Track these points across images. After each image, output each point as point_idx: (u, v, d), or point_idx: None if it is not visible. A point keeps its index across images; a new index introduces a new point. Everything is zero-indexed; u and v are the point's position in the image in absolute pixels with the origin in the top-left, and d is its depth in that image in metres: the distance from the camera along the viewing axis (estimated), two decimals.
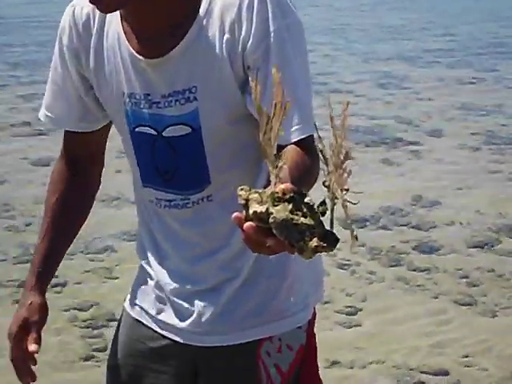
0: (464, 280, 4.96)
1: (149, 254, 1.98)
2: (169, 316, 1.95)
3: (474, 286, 4.88)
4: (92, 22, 1.81)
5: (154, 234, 1.96)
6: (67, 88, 1.89)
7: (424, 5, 23.29)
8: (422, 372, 3.91)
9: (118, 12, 1.75)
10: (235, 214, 1.18)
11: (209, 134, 1.74)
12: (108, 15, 1.76)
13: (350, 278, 4.99)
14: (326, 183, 1.13)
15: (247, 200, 1.17)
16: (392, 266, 5.15)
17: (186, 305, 1.91)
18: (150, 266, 1.98)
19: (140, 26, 1.73)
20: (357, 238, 1.14)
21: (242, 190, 1.19)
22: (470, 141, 8.40)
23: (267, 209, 1.13)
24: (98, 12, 1.78)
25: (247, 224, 1.16)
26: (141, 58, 1.73)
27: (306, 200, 1.14)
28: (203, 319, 1.89)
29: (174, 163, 1.79)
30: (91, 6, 1.73)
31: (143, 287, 2.03)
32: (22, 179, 6.86)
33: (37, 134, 8.33)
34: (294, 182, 1.24)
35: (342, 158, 1.12)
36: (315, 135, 1.32)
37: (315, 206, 1.14)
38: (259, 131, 1.18)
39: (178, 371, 2.00)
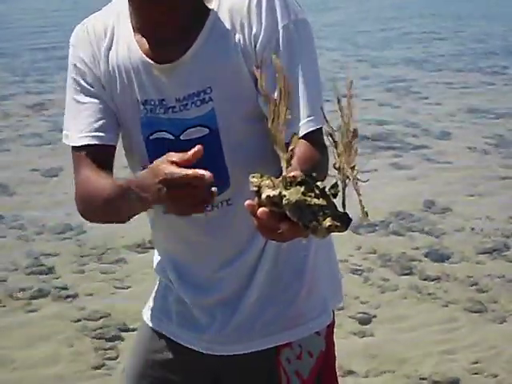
0: (474, 287, 4.94)
1: (168, 268, 1.99)
2: (190, 327, 1.97)
3: (484, 292, 4.87)
4: (104, 35, 1.83)
5: (171, 248, 1.97)
6: (97, 102, 1.84)
7: (431, 9, 23.25)
8: (433, 380, 3.90)
9: (129, 23, 1.78)
10: (248, 202, 1.21)
11: (227, 133, 1.75)
12: (118, 28, 1.80)
13: (363, 285, 4.98)
14: (337, 165, 1.16)
15: (259, 186, 1.20)
16: (404, 275, 5.13)
17: (205, 316, 1.93)
18: (170, 281, 1.99)
19: (151, 30, 1.75)
20: (367, 214, 1.15)
21: (253, 177, 1.22)
22: (479, 145, 8.37)
23: (280, 192, 1.16)
24: (109, 26, 1.82)
25: (261, 209, 1.18)
26: (154, 63, 1.75)
27: (316, 182, 1.17)
28: (224, 329, 1.91)
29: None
30: (101, 22, 1.80)
31: (163, 300, 2.05)
32: (31, 190, 6.88)
33: (46, 144, 8.36)
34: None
35: (349, 137, 1.15)
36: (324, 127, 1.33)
37: (327, 188, 1.16)
38: (268, 118, 1.20)
39: (199, 381, 2.03)
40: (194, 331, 1.96)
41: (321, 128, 1.69)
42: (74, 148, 1.85)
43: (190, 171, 1.39)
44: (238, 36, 1.69)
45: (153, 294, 2.11)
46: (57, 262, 5.26)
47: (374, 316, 4.57)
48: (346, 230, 1.14)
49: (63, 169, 7.17)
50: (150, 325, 2.07)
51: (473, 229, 5.93)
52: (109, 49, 1.82)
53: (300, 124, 1.65)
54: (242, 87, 1.71)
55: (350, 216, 1.14)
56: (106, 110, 1.83)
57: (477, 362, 4.07)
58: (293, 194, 1.14)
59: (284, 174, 1.19)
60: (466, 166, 7.63)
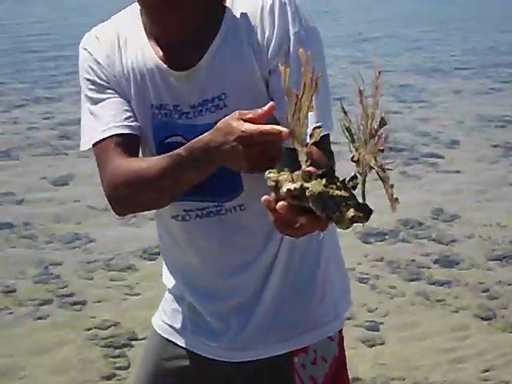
0: (484, 294, 4.93)
1: (177, 277, 2.00)
2: (202, 334, 1.97)
3: (494, 299, 4.86)
4: (116, 41, 1.84)
5: (181, 257, 1.96)
6: (118, 97, 1.82)
7: (440, 16, 23.25)
8: None
9: (141, 29, 1.79)
10: (264, 197, 1.21)
11: None
12: (131, 34, 1.81)
13: (370, 292, 4.97)
14: (355, 158, 1.18)
15: (277, 181, 1.21)
16: (412, 280, 5.13)
17: (219, 322, 1.93)
18: (180, 289, 1.99)
19: (165, 36, 1.77)
20: (397, 200, 1.16)
21: (270, 172, 1.23)
22: (488, 152, 8.37)
23: (301, 185, 1.17)
24: (121, 33, 1.83)
25: (281, 203, 1.19)
26: (169, 70, 1.76)
27: (336, 175, 1.18)
28: (237, 335, 1.91)
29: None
30: (112, 29, 1.82)
31: (174, 308, 2.04)
32: (41, 198, 6.89)
33: (56, 153, 8.38)
34: None
35: (376, 125, 1.16)
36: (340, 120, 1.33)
37: (346, 181, 1.18)
38: (288, 113, 1.21)
39: None
40: (207, 338, 1.96)
41: (329, 134, 1.71)
42: (99, 144, 1.80)
43: (268, 127, 1.38)
44: (251, 42, 1.71)
45: (163, 302, 2.11)
46: (66, 271, 5.27)
47: (382, 323, 4.56)
48: (368, 220, 1.15)
49: (73, 178, 7.19)
50: (161, 333, 2.06)
51: (482, 236, 5.92)
52: (122, 54, 1.83)
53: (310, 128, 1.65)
54: (255, 92, 1.72)
55: (371, 207, 1.16)
56: (127, 104, 1.82)
57: (487, 370, 4.06)
58: (315, 186, 1.15)
59: (303, 167, 1.20)
60: (474, 174, 7.62)
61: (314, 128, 1.25)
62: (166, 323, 2.06)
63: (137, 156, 1.82)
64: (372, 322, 4.57)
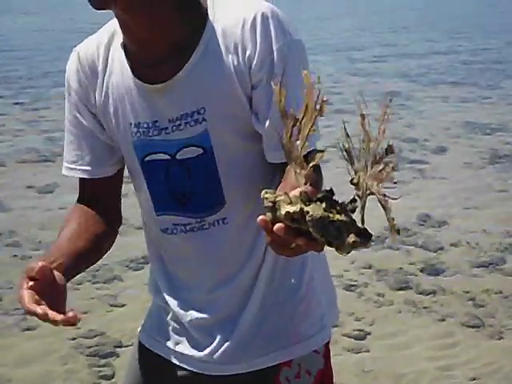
0: (471, 302, 4.93)
1: (163, 288, 1.98)
2: (186, 347, 1.96)
3: (481, 307, 4.86)
4: (97, 61, 1.82)
5: (167, 267, 1.96)
6: (87, 135, 1.87)
7: (427, 23, 23.33)
8: None
9: (121, 46, 1.77)
10: (261, 217, 1.19)
11: (221, 153, 1.74)
12: (113, 49, 1.79)
13: (357, 300, 4.96)
14: (355, 181, 1.16)
15: (274, 202, 1.19)
16: (400, 290, 5.12)
17: (203, 335, 1.92)
18: (165, 300, 1.98)
19: (141, 52, 1.73)
20: (398, 233, 1.16)
21: (267, 193, 1.21)
22: (475, 159, 8.40)
23: (301, 208, 1.15)
24: (101, 52, 1.81)
25: (279, 225, 1.17)
26: (146, 84, 1.73)
27: (335, 199, 1.16)
28: (221, 348, 1.89)
29: (189, 185, 1.79)
30: (95, 47, 1.79)
31: (158, 319, 2.03)
32: (27, 206, 6.86)
33: (42, 160, 8.35)
34: None
35: (382, 152, 1.14)
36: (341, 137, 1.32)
37: (345, 204, 1.16)
38: (284, 134, 1.20)
39: None
40: (191, 351, 1.95)
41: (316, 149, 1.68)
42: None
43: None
44: (231, 57, 1.67)
45: (148, 313, 2.10)
46: None
47: (369, 332, 4.55)
48: (368, 245, 1.14)
49: (59, 185, 7.16)
50: (145, 344, 2.05)
51: (468, 243, 5.93)
52: (103, 73, 1.81)
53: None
54: (235, 107, 1.70)
55: (371, 232, 1.15)
56: (96, 143, 1.86)
57: (474, 379, 4.05)
58: (316, 210, 1.13)
59: (302, 188, 1.18)
60: (461, 180, 7.65)
61: (315, 151, 1.23)
62: (150, 334, 2.05)
63: (101, 196, 1.92)
64: (359, 330, 4.56)
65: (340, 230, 1.13)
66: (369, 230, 1.14)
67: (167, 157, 1.77)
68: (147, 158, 1.81)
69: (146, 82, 1.74)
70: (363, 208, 1.16)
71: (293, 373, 1.90)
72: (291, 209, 1.16)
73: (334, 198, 1.16)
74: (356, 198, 1.16)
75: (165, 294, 1.98)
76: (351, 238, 1.12)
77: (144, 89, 1.74)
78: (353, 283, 5.18)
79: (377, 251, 5.76)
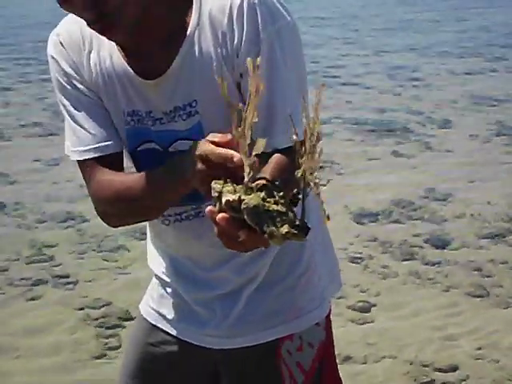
0: (476, 272, 4.94)
1: (163, 264, 1.99)
2: (188, 321, 1.96)
3: (487, 277, 4.87)
4: (82, 43, 1.76)
5: (166, 247, 1.96)
6: (89, 112, 1.77)
7: None
8: (434, 365, 3.89)
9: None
10: (208, 208, 1.19)
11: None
12: (97, 37, 1.70)
13: (362, 272, 4.98)
14: (299, 174, 1.14)
15: (221, 192, 1.18)
16: (405, 260, 5.13)
17: (205, 310, 1.92)
18: (166, 275, 1.98)
19: (130, 45, 1.69)
20: (328, 218, 1.15)
21: (216, 183, 1.20)
22: (481, 132, 8.37)
23: (239, 196, 1.14)
24: (85, 34, 1.74)
25: (220, 215, 1.17)
26: (138, 78, 1.70)
27: (278, 189, 1.15)
28: (223, 323, 1.90)
29: None
30: (76, 28, 1.73)
31: (160, 293, 2.03)
32: (32, 179, 6.89)
33: (47, 134, 8.36)
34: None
35: (313, 140, 1.13)
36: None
37: (287, 196, 1.15)
38: (232, 125, 1.18)
39: (199, 375, 2.02)
40: (193, 325, 1.95)
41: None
42: (81, 162, 1.78)
43: (222, 151, 1.32)
44: (220, 46, 1.64)
45: (149, 287, 2.09)
46: (58, 251, 5.27)
47: (374, 304, 4.56)
48: (305, 238, 1.12)
49: (64, 158, 7.16)
50: (148, 319, 2.05)
51: (473, 215, 5.93)
52: (89, 57, 1.75)
53: (277, 137, 1.59)
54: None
55: (309, 225, 1.12)
56: (103, 116, 1.77)
57: (479, 348, 4.06)
58: (252, 199, 1.13)
59: (246, 179, 1.17)
60: (467, 153, 7.63)
61: (258, 139, 1.19)
62: (153, 309, 2.04)
63: (120, 168, 1.79)
64: (364, 302, 4.57)
65: (273, 219, 1.11)
66: (306, 223, 1.12)
67: (160, 148, 1.75)
68: (141, 147, 1.78)
69: (137, 73, 1.70)
70: (303, 200, 1.15)
71: (294, 346, 1.91)
72: (231, 197, 1.15)
73: (277, 189, 1.15)
74: (299, 190, 1.15)
75: (165, 269, 1.98)
76: (285, 229, 1.10)
77: (137, 81, 1.70)
78: (358, 256, 5.19)
79: (382, 225, 5.77)
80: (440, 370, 3.86)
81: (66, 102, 1.78)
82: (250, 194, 1.14)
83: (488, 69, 11.94)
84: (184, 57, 1.66)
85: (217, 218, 1.17)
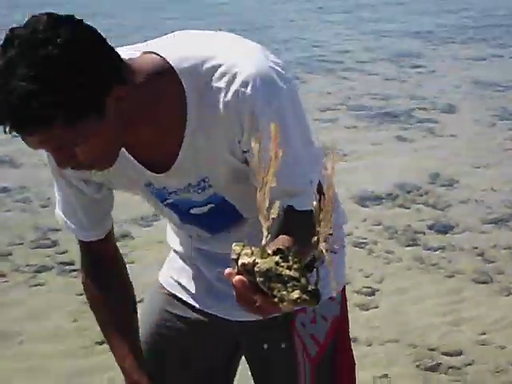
0: (480, 258, 4.94)
1: (183, 240, 2.05)
2: (208, 294, 2.01)
3: (491, 263, 4.86)
4: None
5: (187, 236, 2.03)
6: (76, 198, 1.93)
7: None
8: (438, 350, 3.90)
9: None
10: (227, 270, 1.20)
11: (233, 198, 1.80)
12: None
13: (367, 257, 4.97)
14: (314, 240, 1.14)
15: (239, 254, 1.18)
16: (409, 246, 5.13)
17: (225, 286, 1.93)
18: (186, 249, 2.04)
19: (135, 144, 1.70)
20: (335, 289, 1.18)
21: (236, 245, 1.20)
22: (485, 117, 8.34)
23: (254, 260, 1.15)
24: None
25: (236, 277, 1.17)
26: (148, 172, 1.75)
27: (293, 254, 1.15)
28: None
29: (206, 223, 1.88)
30: None
31: (180, 265, 2.08)
32: (37, 162, 6.87)
33: None
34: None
35: (329, 207, 1.13)
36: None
37: (302, 261, 1.15)
38: (258, 190, 1.17)
39: (218, 345, 2.09)
40: (212, 298, 2.00)
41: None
42: None
43: None
44: (220, 131, 1.62)
45: (168, 260, 2.15)
46: (62, 236, 5.26)
47: (378, 289, 4.57)
48: (316, 304, 1.12)
49: None
50: (169, 289, 2.10)
51: (477, 200, 5.92)
52: None
53: (293, 201, 1.60)
54: (235, 170, 1.69)
55: (320, 293, 1.12)
56: (90, 208, 1.94)
57: (484, 334, 4.06)
58: (265, 263, 1.13)
59: (263, 242, 1.17)
60: (471, 139, 7.61)
61: (275, 203, 1.19)
62: (174, 279, 2.09)
63: (110, 247, 2.07)
64: (368, 287, 4.57)
65: (285, 283, 1.11)
66: (319, 290, 1.12)
67: (181, 208, 1.85)
68: (165, 203, 1.87)
69: (147, 168, 1.75)
70: (317, 269, 1.15)
71: (308, 318, 1.95)
72: (246, 260, 1.15)
73: (291, 252, 1.15)
74: (314, 256, 1.15)
75: (185, 245, 2.05)
76: (295, 294, 1.10)
77: (147, 173, 1.76)
78: (362, 240, 5.19)
79: (387, 209, 5.76)
80: (445, 354, 3.87)
81: (56, 187, 1.95)
82: (265, 258, 1.14)
83: (492, 54, 11.89)
84: (188, 146, 1.67)
85: (233, 280, 1.17)
